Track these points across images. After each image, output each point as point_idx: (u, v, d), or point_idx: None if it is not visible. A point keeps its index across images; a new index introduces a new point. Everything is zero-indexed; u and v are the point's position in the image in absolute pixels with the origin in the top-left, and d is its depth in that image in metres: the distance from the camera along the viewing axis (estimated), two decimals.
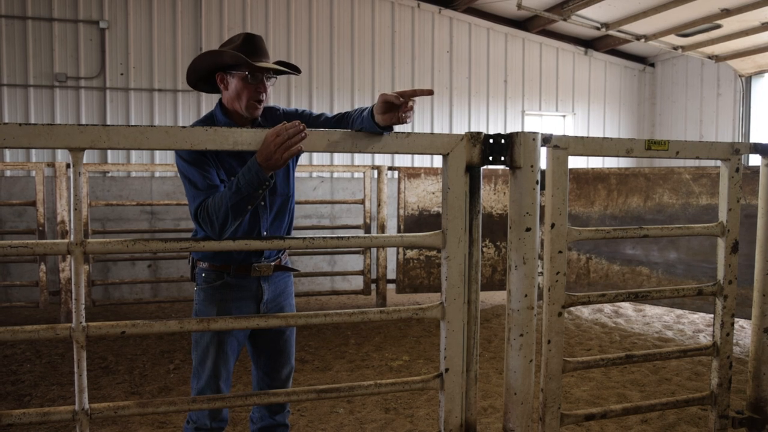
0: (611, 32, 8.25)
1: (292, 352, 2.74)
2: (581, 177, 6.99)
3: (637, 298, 2.52)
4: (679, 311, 6.77)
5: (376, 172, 7.20)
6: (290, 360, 2.73)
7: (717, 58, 8.52)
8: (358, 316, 2.00)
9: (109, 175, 7.72)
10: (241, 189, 2.03)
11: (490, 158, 2.01)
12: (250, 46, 2.40)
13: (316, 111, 2.60)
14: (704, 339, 5.81)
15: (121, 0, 7.74)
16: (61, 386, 4.47)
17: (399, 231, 7.03)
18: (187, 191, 2.33)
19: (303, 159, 8.34)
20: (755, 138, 8.71)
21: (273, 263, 2.56)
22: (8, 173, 7.43)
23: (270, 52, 9.33)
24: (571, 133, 9.88)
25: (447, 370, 2.03)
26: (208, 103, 7.78)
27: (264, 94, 2.41)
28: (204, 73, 2.48)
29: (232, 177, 2.38)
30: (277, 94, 8.29)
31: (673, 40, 8.21)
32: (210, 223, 2.12)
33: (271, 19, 8.29)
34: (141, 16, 7.83)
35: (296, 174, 8.90)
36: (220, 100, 2.50)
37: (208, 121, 2.49)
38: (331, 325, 6.26)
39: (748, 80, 8.68)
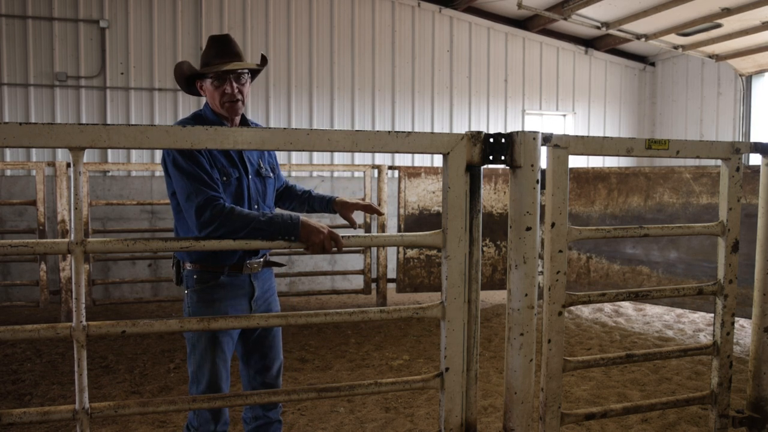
0: (612, 31, 8.24)
1: (281, 346, 2.78)
2: (581, 176, 6.99)
3: (637, 297, 2.52)
4: (679, 310, 6.77)
5: (376, 171, 7.20)
6: (279, 355, 2.76)
7: (717, 58, 8.52)
8: (359, 315, 2.00)
9: (110, 174, 7.72)
10: (273, 227, 2.09)
11: (491, 157, 2.01)
12: (216, 48, 2.51)
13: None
14: (704, 338, 5.81)
15: None
16: (61, 385, 4.47)
17: (399, 230, 7.03)
18: (184, 186, 2.29)
19: (303, 158, 8.34)
20: (756, 137, 8.70)
21: (261, 259, 2.61)
22: (8, 172, 7.43)
23: (270, 52, 9.26)
24: (571, 132, 9.88)
25: (447, 369, 2.03)
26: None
27: (238, 93, 2.52)
28: (185, 82, 2.60)
29: (224, 177, 2.42)
30: (277, 95, 8.29)
31: (674, 39, 8.21)
32: (221, 225, 2.14)
33: (271, 19, 8.29)
34: (141, 16, 7.84)
35: (296, 173, 8.87)
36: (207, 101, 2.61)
37: (198, 119, 2.54)
38: (331, 325, 6.26)
39: (748, 79, 8.67)
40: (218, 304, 2.51)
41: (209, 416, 2.49)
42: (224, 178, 2.42)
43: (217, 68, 2.47)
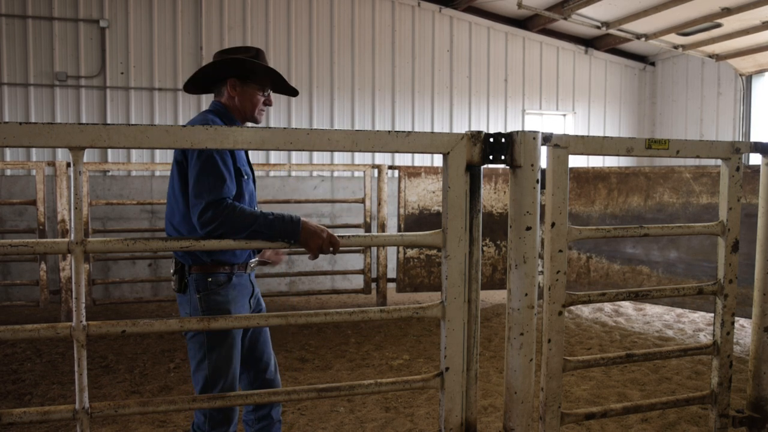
0: (612, 31, 8.24)
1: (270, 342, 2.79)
2: (581, 176, 6.99)
3: (637, 297, 2.52)
4: (679, 310, 6.78)
5: (376, 171, 7.20)
6: (272, 350, 2.77)
7: (717, 57, 8.52)
8: (359, 315, 2.00)
9: (110, 174, 7.72)
10: (273, 229, 2.07)
11: (491, 157, 2.01)
12: (264, 61, 2.59)
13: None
14: (704, 338, 5.81)
15: None
16: (61, 385, 4.47)
17: (399, 230, 7.03)
18: (202, 182, 2.22)
19: (303, 158, 8.34)
20: (756, 137, 8.70)
21: (257, 257, 2.65)
22: (8, 172, 7.43)
23: (270, 52, 9.28)
24: (571, 132, 9.88)
25: (447, 369, 2.03)
26: (208, 102, 7.77)
27: None
28: (217, 76, 2.57)
29: (245, 175, 2.45)
30: (277, 95, 8.27)
31: (674, 39, 8.21)
32: (222, 224, 2.12)
33: (271, 19, 8.28)
34: (141, 15, 7.83)
35: (297, 173, 8.86)
36: (220, 100, 2.60)
37: (223, 116, 2.53)
38: (331, 324, 6.26)
39: (748, 79, 8.67)
40: (233, 305, 2.46)
41: (222, 418, 2.42)
42: (245, 177, 2.45)
43: (285, 83, 2.62)
